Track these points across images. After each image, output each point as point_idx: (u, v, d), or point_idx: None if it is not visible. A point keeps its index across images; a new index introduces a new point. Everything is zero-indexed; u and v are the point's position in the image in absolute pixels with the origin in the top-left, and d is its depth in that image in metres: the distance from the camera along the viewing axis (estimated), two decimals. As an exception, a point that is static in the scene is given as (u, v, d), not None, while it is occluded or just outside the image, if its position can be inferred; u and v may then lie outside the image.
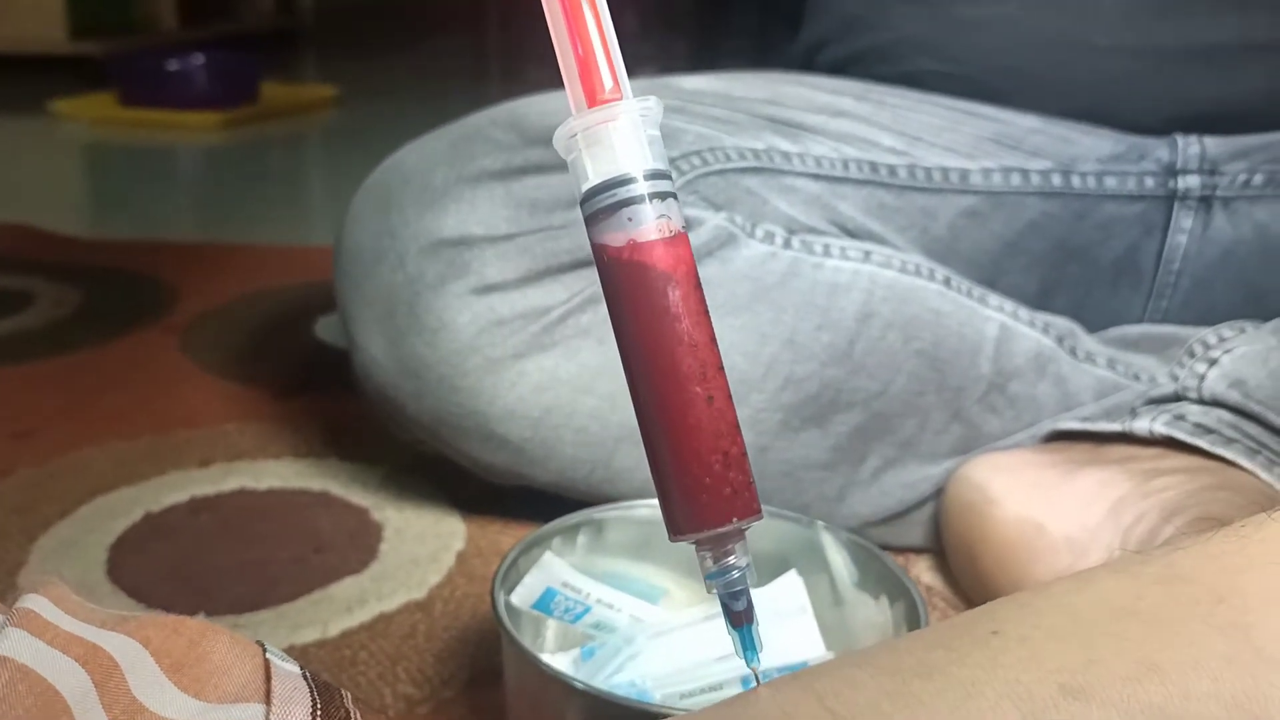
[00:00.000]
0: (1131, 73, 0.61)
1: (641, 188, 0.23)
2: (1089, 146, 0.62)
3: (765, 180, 0.56)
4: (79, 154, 1.88)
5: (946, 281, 0.55)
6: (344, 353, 0.83)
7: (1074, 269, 0.63)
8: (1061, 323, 0.58)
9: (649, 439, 0.24)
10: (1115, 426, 0.50)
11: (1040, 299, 0.62)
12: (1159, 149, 0.61)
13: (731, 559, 0.24)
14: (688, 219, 0.53)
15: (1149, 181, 0.61)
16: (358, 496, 0.63)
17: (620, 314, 0.24)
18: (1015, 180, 0.61)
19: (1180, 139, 0.61)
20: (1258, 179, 0.60)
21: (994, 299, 0.56)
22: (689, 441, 0.23)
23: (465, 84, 3.17)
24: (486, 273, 0.50)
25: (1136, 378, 0.56)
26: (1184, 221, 0.62)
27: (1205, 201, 0.61)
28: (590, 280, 0.50)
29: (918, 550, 0.57)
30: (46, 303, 0.95)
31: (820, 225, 0.57)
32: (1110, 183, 0.61)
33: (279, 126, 2.05)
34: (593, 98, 0.24)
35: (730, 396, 0.24)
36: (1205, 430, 0.47)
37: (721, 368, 0.24)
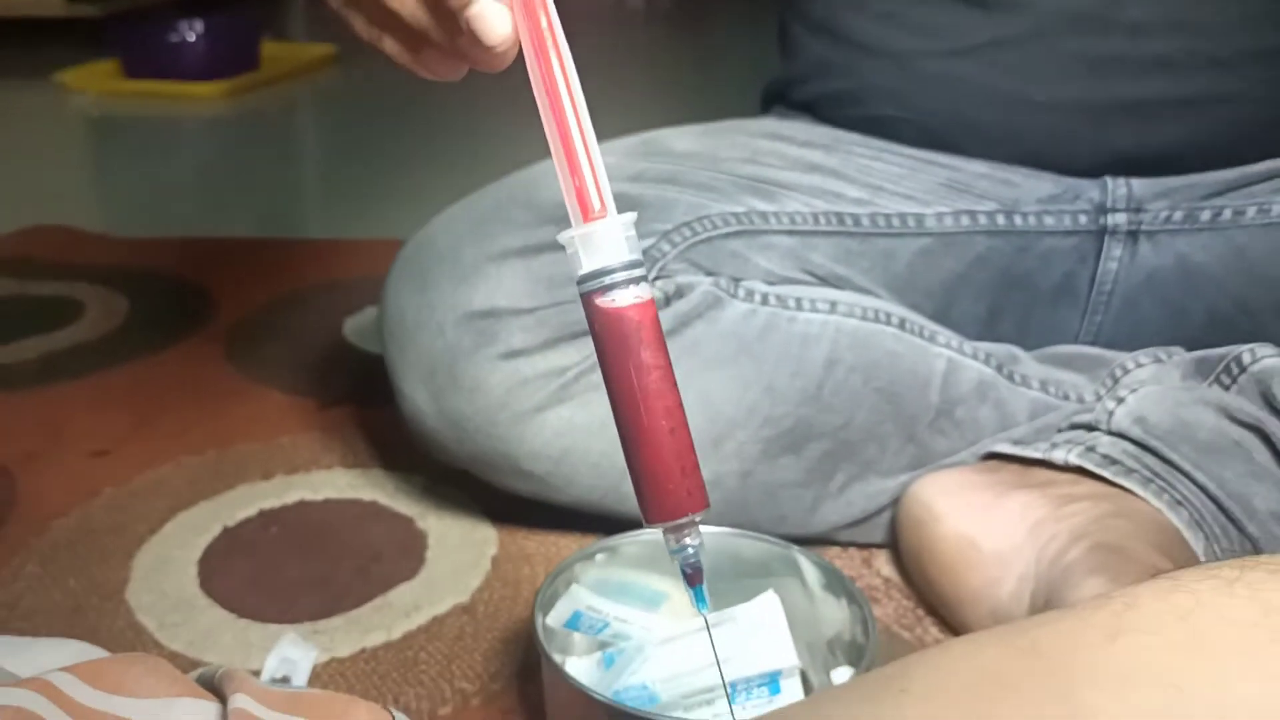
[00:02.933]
0: (1067, 124, 0.69)
1: (620, 275, 0.34)
2: (1030, 189, 0.71)
3: (747, 241, 0.65)
4: (91, 130, 1.95)
5: (901, 324, 0.65)
6: (374, 357, 0.93)
7: (1018, 294, 0.72)
8: (1001, 350, 0.68)
9: (628, 454, 0.35)
10: (1038, 454, 0.60)
11: (989, 319, 0.72)
12: (1091, 190, 0.70)
13: (687, 540, 0.35)
14: (681, 285, 0.62)
15: (1083, 219, 0.70)
16: (403, 506, 0.73)
17: (606, 368, 0.35)
18: (965, 221, 0.70)
19: (1110, 181, 0.70)
20: (1177, 215, 0.69)
21: (942, 336, 0.66)
22: (656, 460, 0.35)
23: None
24: (512, 341, 0.59)
25: (1066, 397, 0.66)
26: (1114, 251, 0.71)
27: (1132, 235, 0.70)
28: (599, 343, 0.60)
29: (879, 546, 0.67)
30: (96, 312, 1.04)
31: (795, 274, 0.66)
32: (1049, 220, 0.71)
33: (282, 91, 2.11)
34: (587, 215, 0.35)
35: (686, 424, 0.35)
36: (1110, 461, 0.57)
37: (680, 405, 0.35)
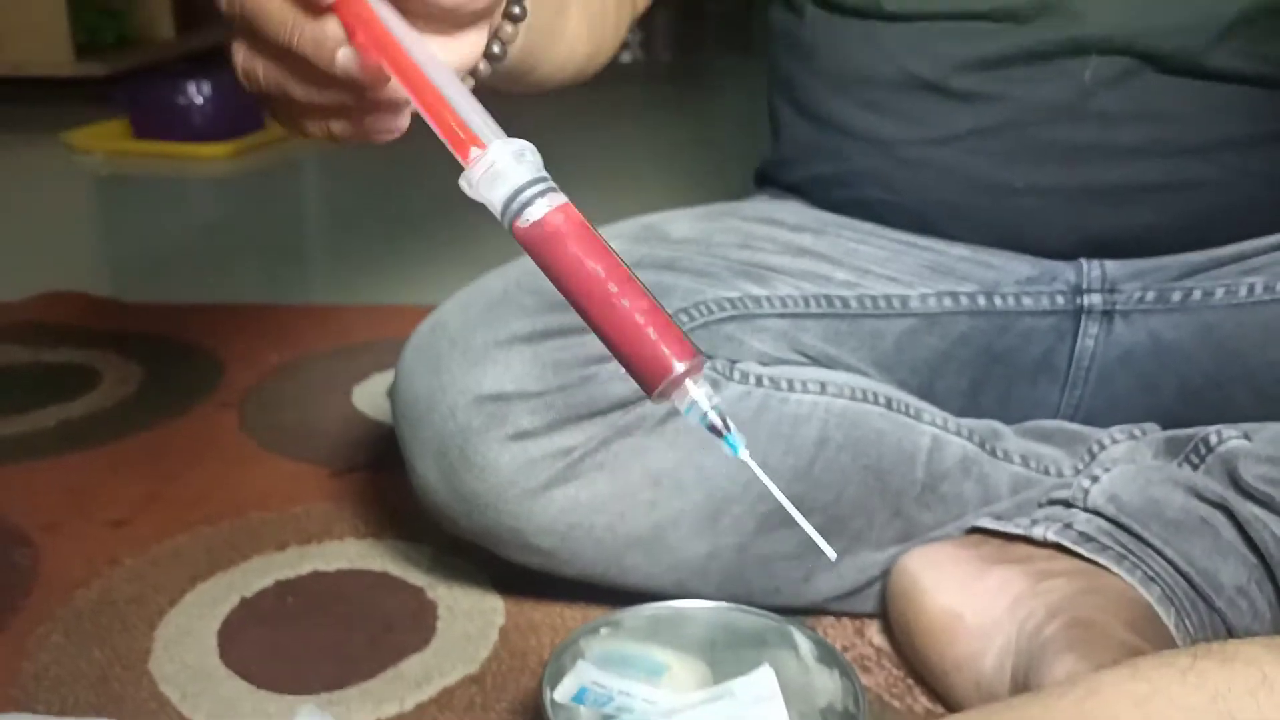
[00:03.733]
0: (1043, 209, 0.73)
1: (527, 194, 0.36)
2: (1009, 271, 0.75)
3: (741, 325, 0.69)
4: (100, 190, 1.99)
5: (888, 403, 0.68)
6: (383, 425, 0.96)
7: (999, 370, 0.75)
8: (984, 426, 0.71)
9: (604, 341, 0.35)
10: (1019, 531, 0.63)
11: (972, 393, 0.76)
12: (1067, 271, 0.74)
13: (691, 396, 0.34)
14: (679, 368, 0.65)
15: (1060, 299, 0.74)
16: (414, 576, 0.76)
17: (553, 276, 0.36)
18: (948, 303, 0.74)
19: (1085, 263, 0.74)
20: (1150, 295, 0.73)
21: (927, 414, 0.69)
22: (622, 340, 0.34)
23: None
24: (520, 423, 0.63)
25: (1046, 471, 0.70)
26: (1091, 329, 0.74)
27: (1107, 314, 0.74)
28: (601, 426, 0.63)
29: (871, 616, 0.70)
30: (112, 379, 1.07)
31: (787, 355, 0.70)
32: (1027, 301, 0.74)
33: (288, 150, 2.15)
34: (467, 159, 0.37)
35: (642, 293, 0.34)
36: (1086, 538, 0.60)
37: (630, 278, 0.35)
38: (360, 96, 0.41)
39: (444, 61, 0.40)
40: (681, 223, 0.77)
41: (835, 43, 0.76)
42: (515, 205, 0.35)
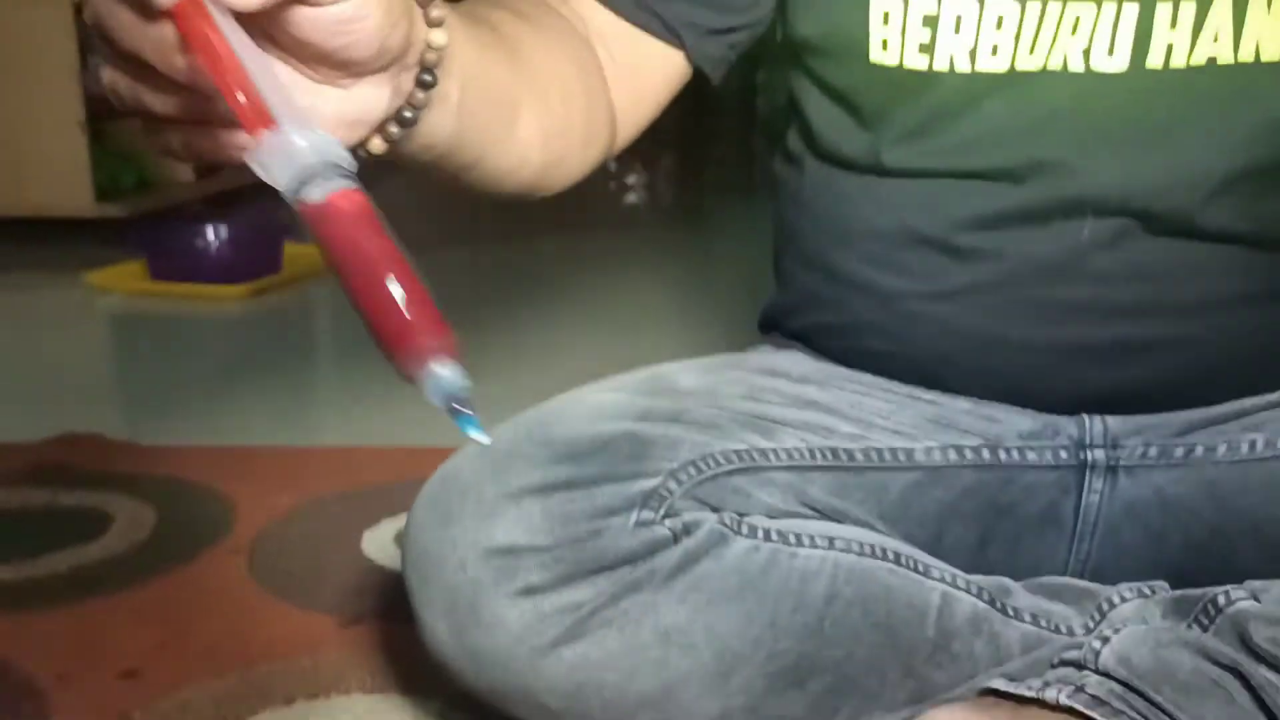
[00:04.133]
0: (1041, 364, 0.75)
1: (319, 177, 0.36)
2: (1011, 424, 0.76)
3: (748, 478, 0.70)
4: (117, 330, 2.03)
5: (896, 559, 0.69)
6: (392, 573, 0.96)
7: (1006, 524, 0.76)
8: (993, 582, 0.71)
9: (365, 321, 0.35)
10: (1031, 693, 0.63)
11: (979, 547, 0.76)
12: (1069, 426, 0.75)
13: (437, 371, 0.36)
14: (688, 523, 0.66)
15: (1063, 454, 0.75)
16: (420, 732, 0.76)
17: (327, 252, 0.36)
18: (952, 456, 0.75)
19: (1087, 418, 0.75)
20: (1152, 451, 0.74)
21: (936, 570, 0.69)
22: (381, 310, 0.35)
23: (465, 211, 3.35)
24: (530, 578, 0.63)
25: (1057, 630, 0.69)
26: (1095, 484, 0.75)
27: (1111, 469, 0.75)
28: (610, 581, 0.64)
29: (884, 777, 0.69)
30: (124, 523, 1.08)
31: (795, 508, 0.71)
32: (1030, 455, 0.75)
33: (302, 291, 2.20)
34: (254, 131, 0.37)
35: (411, 277, 0.35)
36: (1099, 702, 0.60)
37: (404, 263, 0.36)
38: (210, 105, 0.41)
39: (284, 77, 0.41)
40: (688, 374, 0.79)
41: (836, 196, 0.79)
42: (305, 185, 0.36)
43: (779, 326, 0.87)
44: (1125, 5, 0.66)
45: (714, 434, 0.71)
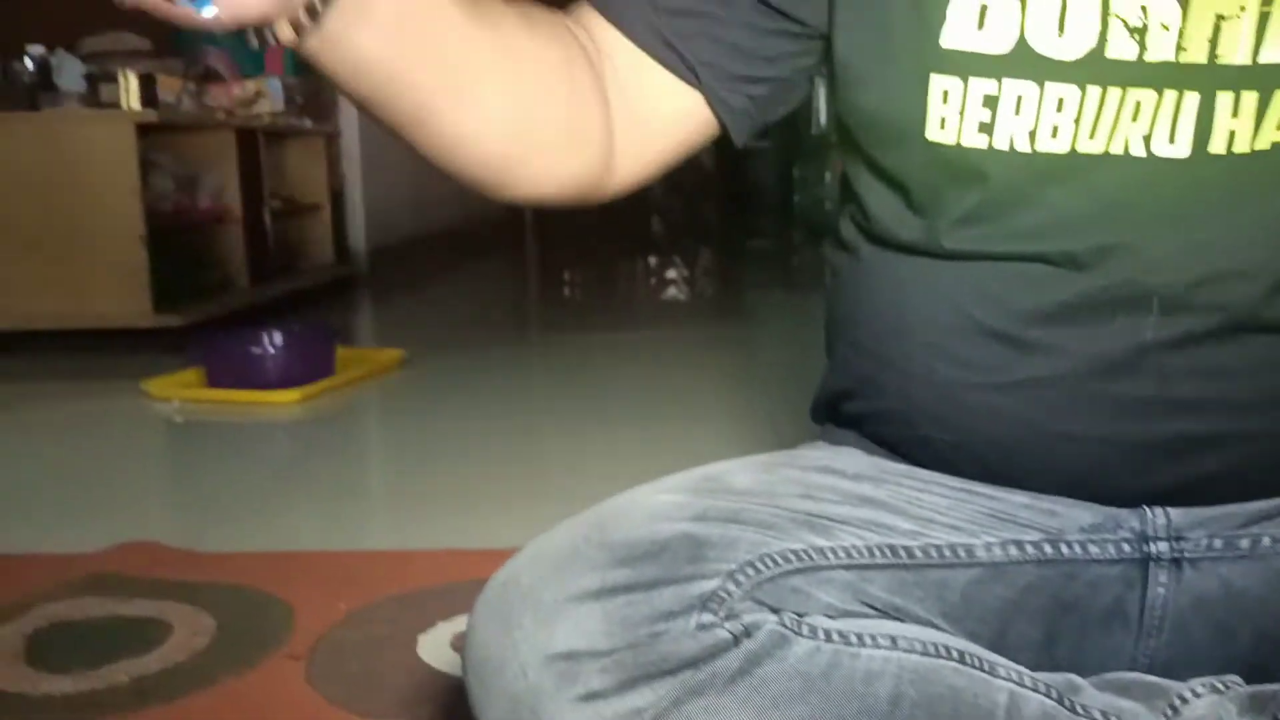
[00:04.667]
0: (1103, 458, 0.74)
1: None
2: (1072, 519, 0.75)
3: (807, 577, 0.69)
4: (174, 438, 2.07)
5: (961, 657, 0.68)
6: (448, 678, 0.96)
7: (1071, 619, 0.75)
8: (1061, 679, 0.70)
9: None
10: (1107, 796, 0.61)
11: (1045, 644, 0.75)
12: (1131, 520, 0.74)
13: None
14: (748, 624, 0.66)
15: (1126, 547, 0.74)
16: (480, 842, 0.74)
17: None
18: (1013, 551, 0.74)
19: (1149, 511, 0.74)
20: (1217, 544, 0.73)
21: (1002, 668, 0.68)
22: None
23: (509, 308, 3.40)
24: (591, 683, 0.63)
25: (1128, 727, 0.68)
26: (1160, 578, 0.74)
27: (1176, 562, 0.74)
28: (672, 685, 0.63)
29: None
30: (184, 632, 1.09)
31: (854, 607, 0.70)
32: (1093, 549, 0.74)
33: (355, 395, 2.24)
34: None
35: None
36: (1176, 803, 0.59)
37: None
38: None
39: None
40: (742, 474, 0.79)
41: (892, 283, 0.78)
42: None
43: (832, 413, 0.86)
44: (1186, 93, 0.66)
45: (771, 534, 0.71)
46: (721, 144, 0.80)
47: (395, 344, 2.66)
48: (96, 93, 2.73)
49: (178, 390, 2.21)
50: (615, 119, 0.72)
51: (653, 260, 5.35)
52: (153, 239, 2.71)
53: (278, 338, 2.19)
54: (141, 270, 2.69)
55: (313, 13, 0.53)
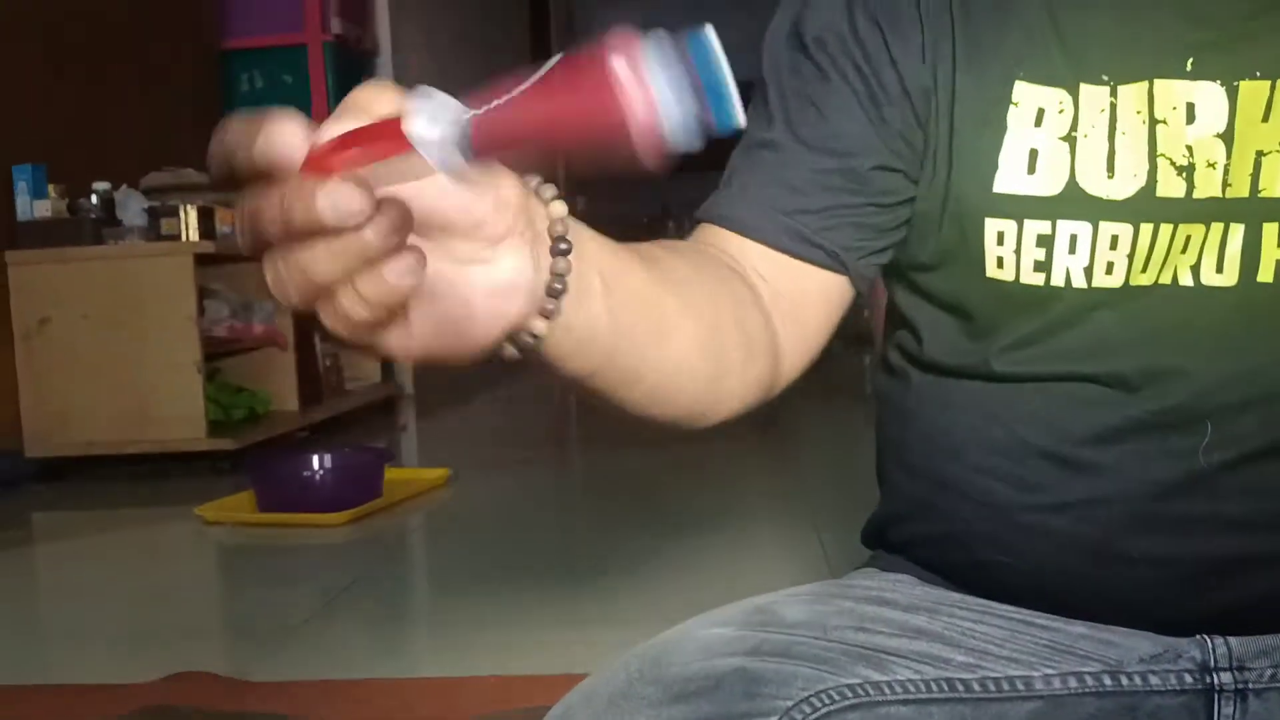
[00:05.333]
0: (1157, 578, 0.73)
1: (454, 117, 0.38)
2: (1131, 649, 0.74)
3: (864, 713, 0.69)
4: (226, 561, 2.09)
5: (1025, 802, 0.66)
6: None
7: (1135, 752, 0.73)
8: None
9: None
10: None
11: (1109, 778, 0.73)
12: (1191, 649, 0.73)
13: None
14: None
15: (1187, 678, 0.73)
16: None
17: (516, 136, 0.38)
18: (1073, 683, 0.73)
19: (1209, 640, 0.73)
20: (1281, 673, 0.72)
21: (1068, 806, 0.67)
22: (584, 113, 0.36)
23: (550, 421, 3.42)
24: (649, 827, 0.63)
25: None
26: (1225, 709, 0.72)
27: (1240, 692, 0.72)
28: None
29: None
30: (237, 766, 1.09)
31: (914, 745, 0.69)
32: (1154, 680, 0.73)
33: (402, 515, 2.25)
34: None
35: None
36: None
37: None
38: (371, 239, 0.40)
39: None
40: (794, 606, 0.79)
41: (943, 406, 0.79)
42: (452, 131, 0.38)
43: (884, 539, 0.86)
44: (1233, 225, 0.67)
45: (826, 668, 0.71)
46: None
47: (440, 460, 2.69)
48: (157, 226, 2.84)
49: (230, 514, 2.24)
50: (775, 321, 0.73)
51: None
52: (207, 364, 2.77)
53: (327, 460, 2.22)
54: (197, 396, 2.75)
55: (554, 293, 0.51)
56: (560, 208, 0.51)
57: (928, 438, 0.81)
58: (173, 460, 2.78)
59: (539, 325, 0.51)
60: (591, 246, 0.55)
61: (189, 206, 2.81)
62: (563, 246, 0.51)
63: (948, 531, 0.80)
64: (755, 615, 0.78)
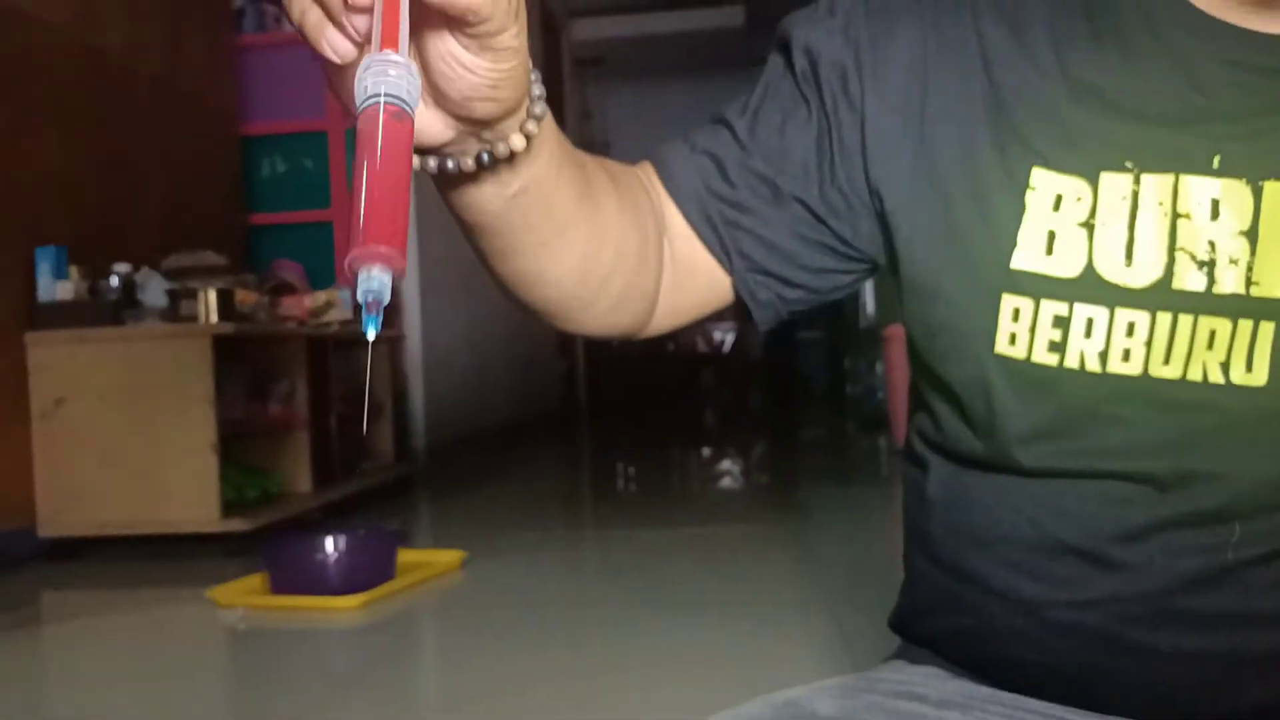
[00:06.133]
0: (1187, 674, 0.72)
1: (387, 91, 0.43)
2: (1164, 751, 0.72)
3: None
4: (236, 647, 2.06)
5: None
6: None
7: None
8: None
9: (354, 207, 0.40)
10: None
11: None
12: (1226, 749, 0.72)
13: (372, 283, 0.39)
14: None
15: (1222, 778, 0.71)
16: None
17: (358, 151, 0.41)
18: (1107, 782, 0.71)
19: (1245, 738, 0.71)
20: (1321, 774, 0.70)
21: None
22: (367, 203, 0.39)
23: (564, 503, 3.39)
24: None
25: None
26: (1263, 806, 0.70)
27: None
28: None
29: None
30: None
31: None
32: (1189, 782, 0.71)
33: (415, 598, 2.23)
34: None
35: (400, 196, 0.41)
36: None
37: (401, 180, 0.42)
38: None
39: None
40: (823, 700, 0.77)
41: (969, 499, 0.77)
42: (373, 99, 0.43)
43: (911, 630, 0.85)
44: (1262, 323, 0.66)
45: (858, 767, 0.69)
46: (771, 333, 0.84)
47: (454, 541, 2.67)
48: (177, 308, 2.86)
49: (241, 597, 2.22)
50: (664, 286, 0.76)
51: (705, 451, 5.37)
52: (222, 445, 2.78)
53: (340, 542, 2.21)
54: (211, 477, 2.75)
55: (534, 117, 0.56)
56: (519, 142, 0.55)
57: (952, 529, 0.79)
58: (185, 541, 2.77)
59: (517, 139, 0.55)
60: (537, 166, 0.59)
61: (210, 289, 2.84)
62: (485, 160, 0.55)
63: (974, 626, 0.79)
64: (785, 709, 0.77)
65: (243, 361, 3.17)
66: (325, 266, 3.97)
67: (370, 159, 0.40)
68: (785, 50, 0.78)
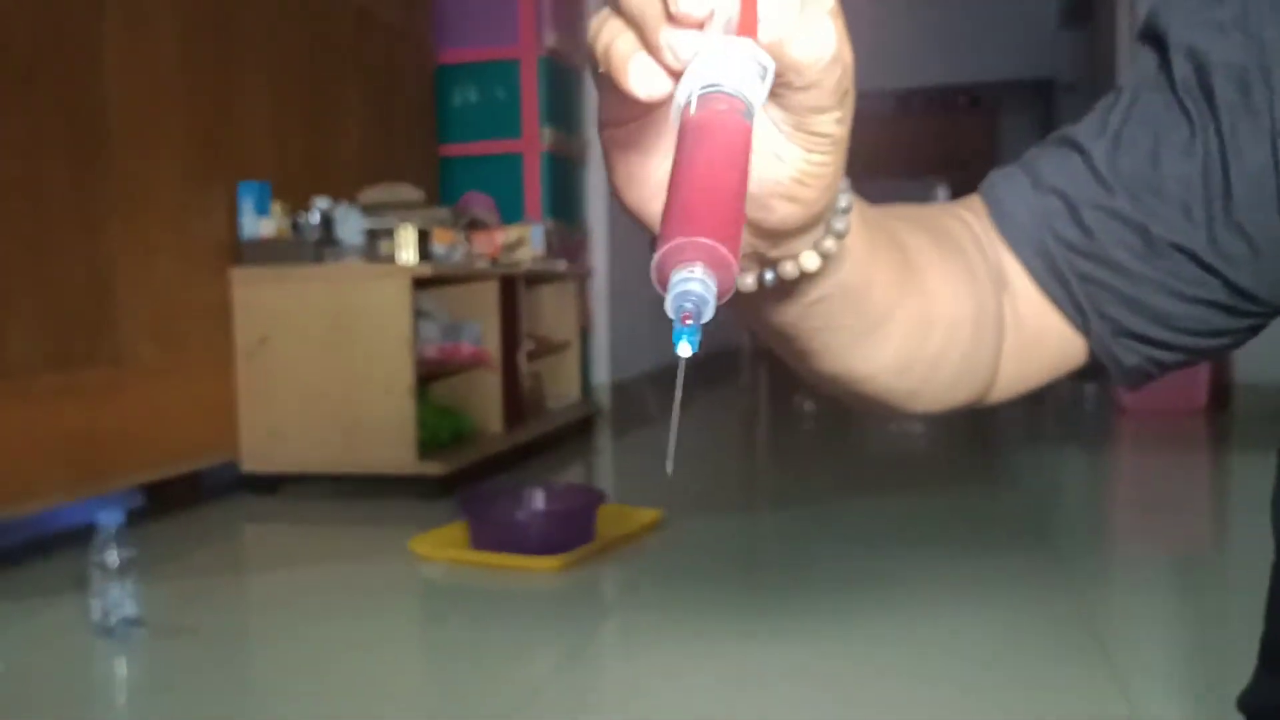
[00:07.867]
0: None
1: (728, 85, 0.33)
2: None
3: None
4: (437, 600, 2.03)
5: None
6: None
7: None
8: None
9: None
10: None
11: None
12: None
13: (693, 287, 0.30)
14: None
15: None
16: None
17: (683, 148, 0.32)
18: None
19: None
20: None
21: None
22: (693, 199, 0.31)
23: (733, 481, 3.27)
24: None
25: None
26: None
27: None
28: None
29: None
30: None
31: None
32: None
33: (614, 559, 2.15)
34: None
35: (737, 202, 0.32)
36: None
37: (739, 192, 0.32)
38: None
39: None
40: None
41: None
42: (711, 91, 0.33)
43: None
44: None
45: None
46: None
47: (643, 485, 2.58)
48: (375, 247, 2.83)
49: (441, 550, 2.19)
50: (1007, 355, 0.60)
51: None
52: (418, 386, 2.75)
53: (541, 502, 2.14)
54: (409, 419, 2.73)
55: (843, 211, 0.44)
56: (812, 261, 0.46)
57: None
58: (382, 482, 2.77)
59: (810, 260, 0.44)
60: (839, 274, 0.47)
61: (407, 228, 2.79)
62: (790, 272, 0.45)
63: None
64: None
65: (437, 301, 3.13)
66: (515, 199, 3.91)
67: (709, 150, 0.32)
68: (1159, 45, 0.58)
